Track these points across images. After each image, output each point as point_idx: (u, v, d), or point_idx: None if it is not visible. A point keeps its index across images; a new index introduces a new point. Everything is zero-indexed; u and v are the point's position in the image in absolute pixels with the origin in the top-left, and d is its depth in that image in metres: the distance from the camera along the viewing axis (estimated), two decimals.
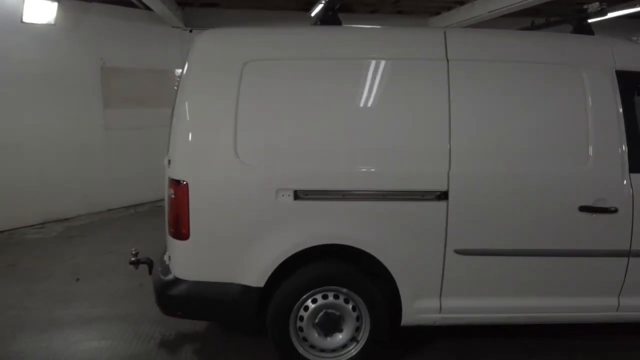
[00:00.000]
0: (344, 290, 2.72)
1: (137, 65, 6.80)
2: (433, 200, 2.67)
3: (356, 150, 2.67)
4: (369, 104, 2.73)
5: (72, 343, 3.16)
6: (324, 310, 2.75)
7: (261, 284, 2.66)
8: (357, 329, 2.79)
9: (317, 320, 2.75)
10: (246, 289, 2.67)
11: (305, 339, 2.77)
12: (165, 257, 2.90)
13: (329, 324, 2.75)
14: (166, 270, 2.83)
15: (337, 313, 2.76)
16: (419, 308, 2.77)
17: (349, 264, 2.77)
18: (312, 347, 2.78)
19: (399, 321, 2.83)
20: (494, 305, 2.81)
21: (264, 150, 2.65)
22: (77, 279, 4.20)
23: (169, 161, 2.75)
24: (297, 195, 2.63)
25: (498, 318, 2.88)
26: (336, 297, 2.75)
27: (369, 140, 2.68)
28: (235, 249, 2.66)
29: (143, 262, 3.20)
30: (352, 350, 2.80)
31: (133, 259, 3.22)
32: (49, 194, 5.97)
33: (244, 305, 2.69)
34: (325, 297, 2.74)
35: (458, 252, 2.71)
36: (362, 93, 2.72)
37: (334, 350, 2.80)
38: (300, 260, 2.71)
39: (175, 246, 2.72)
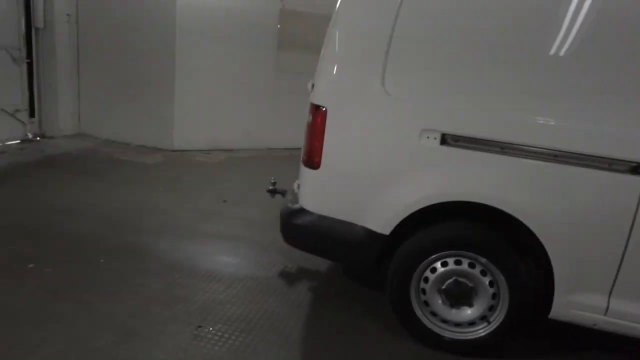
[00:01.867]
0: (483, 260, 2.30)
1: (314, 10, 6.83)
2: (625, 172, 2.06)
3: (528, 95, 2.17)
4: (560, 46, 2.17)
5: (204, 252, 3.31)
6: (453, 278, 2.38)
7: (387, 231, 2.39)
8: (491, 308, 2.36)
9: (444, 287, 2.39)
10: (370, 233, 2.43)
11: (426, 304, 2.44)
12: (295, 185, 2.80)
13: (458, 294, 2.38)
14: (295, 199, 2.73)
15: (470, 284, 2.36)
16: (577, 302, 2.22)
17: (495, 230, 2.33)
18: (434, 314, 2.44)
19: (547, 312, 2.32)
20: None
21: (414, 84, 2.32)
22: (224, 201, 4.44)
23: (313, 85, 2.59)
24: (445, 139, 2.26)
25: None
26: (471, 265, 2.34)
27: (547, 86, 2.15)
28: (364, 187, 2.42)
29: (279, 192, 3.19)
30: (481, 331, 2.39)
31: (271, 187, 3.23)
32: (218, 126, 6.45)
33: (365, 251, 2.46)
34: (458, 262, 2.36)
35: None
36: (552, 30, 2.17)
37: (458, 324, 2.42)
38: (436, 214, 2.37)
39: (306, 175, 2.59)
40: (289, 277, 3.07)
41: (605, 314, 2.20)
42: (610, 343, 2.66)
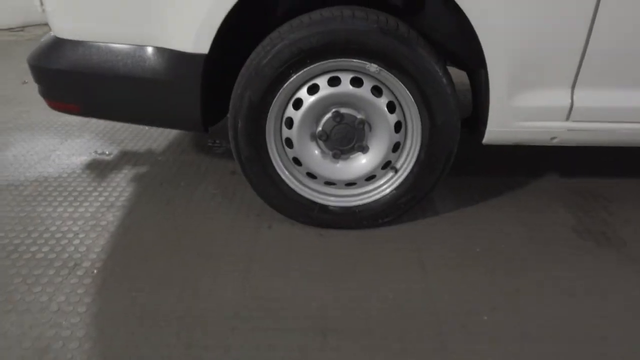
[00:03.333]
0: (374, 67, 1.34)
1: None
2: None
3: None
4: None
5: None
6: (332, 110, 1.42)
7: (203, 48, 1.33)
8: (397, 148, 1.47)
9: (319, 128, 1.44)
10: (176, 58, 1.36)
11: (297, 162, 1.50)
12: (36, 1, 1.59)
13: (343, 134, 1.44)
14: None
15: (358, 115, 1.43)
16: (525, 108, 1.37)
17: (387, 14, 1.35)
18: (311, 175, 1.52)
19: (477, 137, 1.48)
20: None
21: None
22: (25, 82, 3.10)
23: None
24: None
25: None
26: (356, 82, 1.38)
27: None
28: None
29: None
30: (385, 187, 1.52)
31: None
32: None
33: (177, 91, 1.41)
34: (334, 81, 1.39)
35: None
36: None
37: (351, 183, 1.53)
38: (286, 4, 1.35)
39: None
40: (103, 168, 1.99)
41: (567, 118, 1.38)
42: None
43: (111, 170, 1.96)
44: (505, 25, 1.26)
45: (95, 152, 2.13)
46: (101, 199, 1.76)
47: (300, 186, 1.52)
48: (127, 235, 1.54)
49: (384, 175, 1.51)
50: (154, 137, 2.26)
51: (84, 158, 2.07)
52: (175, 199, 1.74)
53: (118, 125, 2.36)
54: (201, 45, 1.32)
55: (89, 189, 1.83)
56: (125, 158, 2.07)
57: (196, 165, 2.00)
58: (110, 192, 1.80)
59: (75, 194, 1.79)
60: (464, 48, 1.42)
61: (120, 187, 1.84)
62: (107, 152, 2.12)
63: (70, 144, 2.20)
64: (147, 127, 2.34)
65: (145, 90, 1.41)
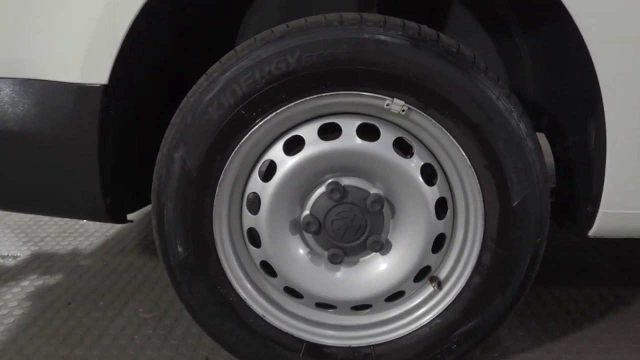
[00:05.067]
0: (398, 105, 0.77)
1: None
2: None
3: None
4: None
5: None
6: (328, 180, 0.82)
7: (100, 76, 0.77)
8: (439, 244, 0.85)
9: (306, 212, 0.83)
10: (55, 92, 0.80)
11: (269, 269, 0.87)
12: None
13: (346, 222, 0.83)
14: None
15: (372, 190, 0.83)
16: None
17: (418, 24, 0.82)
18: (293, 293, 0.88)
19: (575, 225, 0.88)
20: None
21: None
22: None
23: None
24: None
25: None
26: (368, 133, 0.81)
27: None
28: None
29: None
30: (421, 312, 0.88)
31: None
32: None
33: (54, 147, 0.83)
34: (329, 132, 0.81)
35: None
36: None
37: (361, 306, 0.89)
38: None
39: None
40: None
41: None
42: None
43: (6, 282, 1.33)
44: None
45: None
46: None
47: (275, 312, 0.88)
48: None
49: (419, 291, 0.88)
50: (89, 232, 1.66)
51: None
52: (79, 331, 1.10)
53: (46, 218, 1.77)
54: (96, 71, 0.77)
55: None
56: (36, 262, 1.45)
57: (132, 273, 1.37)
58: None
59: None
60: (554, 82, 0.87)
61: (5, 309, 1.20)
62: (14, 255, 1.51)
63: None
64: (82, 221, 1.75)
65: (9, 149, 0.83)
